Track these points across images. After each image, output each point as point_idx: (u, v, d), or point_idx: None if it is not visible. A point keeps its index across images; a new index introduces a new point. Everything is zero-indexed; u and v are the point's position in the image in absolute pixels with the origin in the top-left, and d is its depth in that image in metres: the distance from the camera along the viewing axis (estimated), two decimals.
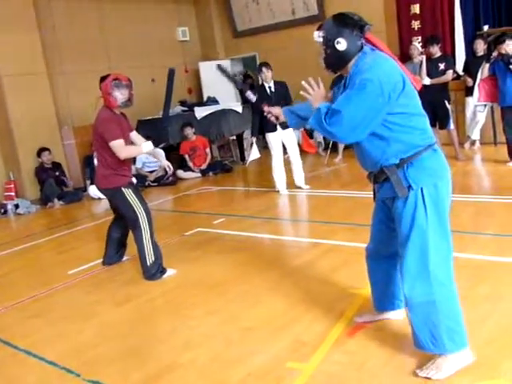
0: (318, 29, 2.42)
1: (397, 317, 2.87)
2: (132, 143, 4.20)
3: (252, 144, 6.79)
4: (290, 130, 6.57)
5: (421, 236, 2.30)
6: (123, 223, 4.36)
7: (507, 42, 6.19)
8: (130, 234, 4.26)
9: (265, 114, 2.99)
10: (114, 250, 4.50)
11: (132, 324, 3.36)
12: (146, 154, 4.21)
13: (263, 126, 6.60)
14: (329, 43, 2.35)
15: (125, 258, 4.60)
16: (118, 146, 3.91)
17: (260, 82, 6.89)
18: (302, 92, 2.51)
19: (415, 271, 2.33)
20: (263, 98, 6.56)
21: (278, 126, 6.51)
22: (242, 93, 3.18)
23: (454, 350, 2.33)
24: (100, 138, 3.98)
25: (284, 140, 6.63)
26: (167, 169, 4.38)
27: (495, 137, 7.94)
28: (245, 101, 11.21)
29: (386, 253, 2.67)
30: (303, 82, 2.51)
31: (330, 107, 2.26)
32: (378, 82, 2.18)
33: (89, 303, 3.79)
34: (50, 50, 8.98)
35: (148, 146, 4.00)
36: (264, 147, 8.10)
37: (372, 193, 2.63)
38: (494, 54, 6.42)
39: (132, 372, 2.74)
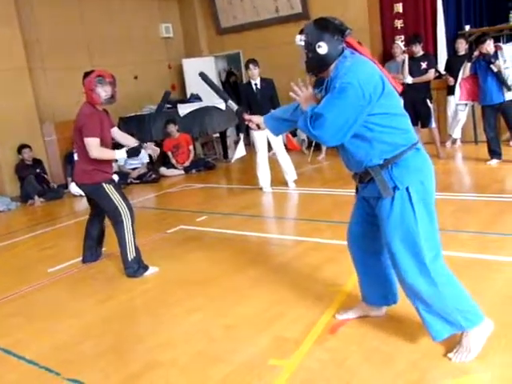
0: (300, 33, 2.45)
1: (378, 314, 2.88)
2: (113, 140, 4.17)
3: (239, 141, 6.78)
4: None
5: (412, 234, 2.34)
6: (100, 219, 4.33)
7: (488, 41, 6.26)
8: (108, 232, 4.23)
9: (246, 122, 2.98)
10: (93, 248, 4.46)
11: (113, 322, 3.33)
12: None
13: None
14: (310, 47, 2.39)
15: (102, 252, 4.58)
16: (92, 143, 3.88)
17: (247, 79, 6.88)
18: (291, 93, 2.52)
19: (414, 269, 2.37)
20: (249, 96, 6.56)
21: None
22: (225, 101, 3.16)
23: (476, 324, 2.40)
24: (80, 133, 3.94)
25: (269, 137, 6.63)
26: (153, 153, 4.33)
27: (476, 135, 8.04)
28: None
29: (372, 248, 2.70)
30: (292, 84, 2.52)
31: (313, 110, 2.30)
32: (358, 85, 2.21)
33: (69, 301, 3.75)
34: (31, 45, 8.86)
35: (121, 153, 4.00)
36: (247, 144, 8.08)
37: (355, 190, 2.66)
38: (476, 53, 6.48)
39: (113, 371, 2.72)
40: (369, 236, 2.67)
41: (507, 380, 2.26)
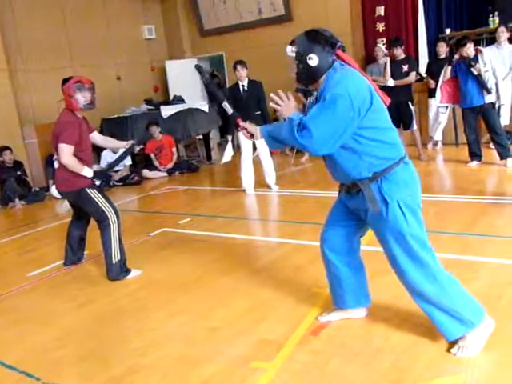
0: (291, 43, 2.47)
1: (359, 315, 2.90)
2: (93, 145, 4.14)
3: (227, 143, 6.77)
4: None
5: (411, 243, 2.39)
6: (83, 223, 4.29)
7: (468, 45, 6.33)
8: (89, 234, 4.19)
9: (239, 129, 2.97)
10: (75, 251, 4.42)
11: (94, 326, 3.30)
12: (110, 150, 4.11)
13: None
14: (301, 58, 2.42)
15: (84, 255, 4.54)
16: (65, 150, 3.85)
17: (230, 81, 6.86)
18: (271, 104, 2.54)
19: (422, 277, 2.42)
20: (235, 97, 6.55)
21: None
22: (214, 98, 3.12)
23: (480, 320, 2.45)
24: (58, 140, 3.90)
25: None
26: (136, 147, 4.30)
27: (457, 138, 8.13)
28: (212, 99, 11.19)
29: (345, 249, 2.73)
30: (272, 95, 2.54)
31: (302, 119, 2.29)
32: (347, 97, 2.23)
33: (49, 305, 3.71)
34: (11, 46, 8.75)
35: (89, 172, 3.96)
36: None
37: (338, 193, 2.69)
38: (456, 56, 6.55)
39: (94, 375, 2.69)
40: (344, 238, 2.70)
41: (484, 381, 2.29)
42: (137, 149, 4.30)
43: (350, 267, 2.76)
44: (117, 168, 8.52)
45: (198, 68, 3.14)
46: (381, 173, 2.38)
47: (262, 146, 6.68)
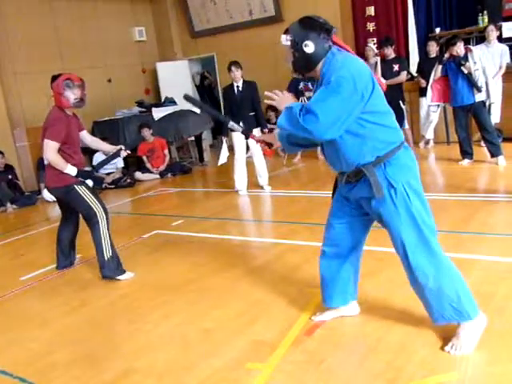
0: (285, 32, 2.44)
1: (352, 313, 2.91)
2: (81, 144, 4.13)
3: (222, 145, 6.77)
4: (255, 130, 6.57)
5: (418, 229, 2.39)
6: (73, 224, 4.28)
7: (458, 44, 6.36)
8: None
9: (256, 143, 2.97)
10: (66, 255, 4.40)
11: (88, 329, 3.28)
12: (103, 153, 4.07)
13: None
14: (297, 46, 2.39)
15: (76, 258, 4.53)
16: (50, 146, 3.84)
17: (221, 82, 6.85)
18: (266, 101, 2.53)
19: (427, 261, 2.42)
20: (230, 98, 6.54)
21: (241, 125, 6.48)
22: (217, 120, 3.09)
23: (476, 313, 2.46)
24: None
25: (248, 140, 6.62)
26: (122, 153, 4.28)
27: (448, 136, 8.16)
28: (204, 101, 11.17)
29: (344, 250, 2.71)
30: (266, 92, 2.52)
31: (305, 105, 2.27)
32: (351, 80, 2.22)
33: (42, 309, 3.69)
34: (1, 49, 8.71)
35: (72, 170, 3.93)
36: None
37: (332, 191, 2.67)
38: (446, 55, 6.58)
39: (88, 378, 2.68)
40: (347, 237, 2.68)
41: (477, 378, 2.30)
42: (123, 154, 4.27)
43: (345, 266, 2.75)
44: (109, 170, 8.53)
45: (187, 98, 3.11)
46: (384, 157, 2.36)
47: (255, 147, 6.68)
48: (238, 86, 6.54)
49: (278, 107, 2.48)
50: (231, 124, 3.04)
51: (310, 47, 2.35)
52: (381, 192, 2.36)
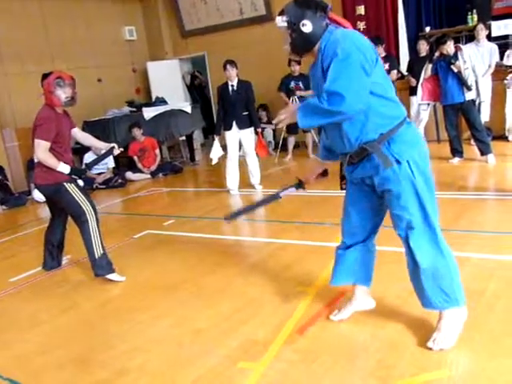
0: (280, 14, 2.38)
1: (369, 306, 2.88)
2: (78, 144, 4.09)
3: (214, 141, 6.77)
4: (248, 130, 6.57)
5: (422, 206, 2.38)
6: (61, 224, 4.26)
7: (448, 42, 6.39)
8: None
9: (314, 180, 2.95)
10: (54, 256, 4.38)
11: (79, 331, 3.27)
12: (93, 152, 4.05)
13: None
14: (294, 27, 2.33)
15: (64, 260, 4.50)
16: (41, 145, 3.82)
17: (212, 82, 6.84)
18: (275, 121, 2.47)
19: (426, 239, 2.41)
20: (224, 96, 6.54)
21: (234, 125, 6.50)
22: (278, 197, 2.99)
23: (463, 301, 2.48)
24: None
25: (241, 139, 6.63)
26: (115, 151, 4.26)
27: (438, 134, 8.20)
28: (194, 101, 11.16)
29: (362, 236, 2.69)
30: (274, 121, 2.48)
31: (322, 91, 2.21)
32: (358, 50, 2.20)
33: (33, 311, 3.66)
34: None
35: (65, 168, 3.92)
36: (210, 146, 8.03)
37: (340, 180, 2.65)
38: (436, 54, 6.61)
39: (80, 380, 2.67)
40: (365, 222, 2.66)
41: (467, 374, 2.31)
42: (116, 152, 4.26)
43: (357, 248, 2.72)
44: (100, 170, 8.49)
45: (234, 216, 3.10)
46: (387, 133, 2.32)
47: (248, 147, 6.68)
48: (232, 85, 6.53)
49: (292, 121, 2.41)
50: (284, 193, 2.97)
51: (307, 26, 2.30)
52: (388, 162, 2.31)
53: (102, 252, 3.96)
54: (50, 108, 3.90)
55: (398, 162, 2.33)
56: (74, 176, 3.99)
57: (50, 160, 3.88)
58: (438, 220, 2.47)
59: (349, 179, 2.63)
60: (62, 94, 3.84)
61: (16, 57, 9.01)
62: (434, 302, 2.48)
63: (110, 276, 3.98)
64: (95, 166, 8.34)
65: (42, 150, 3.83)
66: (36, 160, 4.01)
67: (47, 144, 3.83)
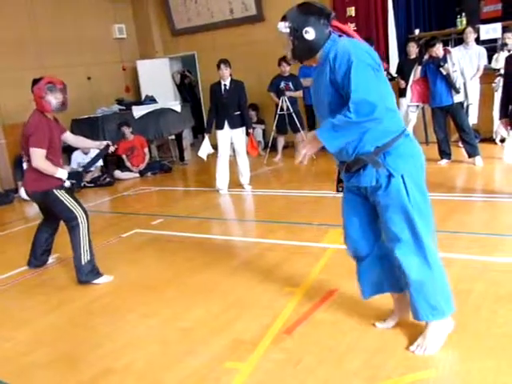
0: (283, 19, 2.35)
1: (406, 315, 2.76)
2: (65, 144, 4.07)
3: (204, 138, 6.77)
4: (240, 129, 6.57)
5: (409, 219, 2.36)
6: (52, 227, 4.23)
7: (437, 45, 6.44)
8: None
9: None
10: (38, 256, 4.34)
11: (65, 330, 3.24)
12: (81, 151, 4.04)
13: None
14: (296, 33, 2.30)
15: (50, 260, 4.46)
16: (37, 154, 3.78)
17: (202, 81, 6.83)
18: (298, 162, 2.40)
19: (413, 251, 2.40)
20: (216, 96, 6.53)
21: (226, 124, 6.49)
22: None
23: (450, 311, 2.49)
24: (28, 142, 3.82)
25: (233, 139, 6.62)
26: (111, 148, 4.23)
27: (427, 136, 8.24)
28: (184, 100, 11.13)
29: (366, 248, 2.61)
30: (297, 162, 2.40)
31: (344, 108, 2.17)
32: (369, 56, 2.21)
33: (19, 310, 3.63)
34: None
35: (63, 174, 3.91)
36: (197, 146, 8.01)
37: (336, 184, 2.62)
38: (426, 56, 6.66)
39: (65, 379, 2.65)
40: (359, 228, 2.60)
41: (454, 375, 2.33)
42: (112, 149, 4.24)
43: (372, 264, 2.65)
44: (73, 182, 8.39)
45: None
46: (383, 147, 2.30)
47: (240, 146, 6.67)
48: (225, 85, 6.52)
49: (315, 149, 2.35)
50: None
51: (310, 34, 2.28)
52: (379, 164, 2.29)
53: (89, 258, 3.92)
54: (41, 114, 3.86)
55: (392, 175, 2.32)
56: (72, 180, 3.97)
57: (49, 168, 3.85)
58: (432, 229, 2.45)
59: (346, 186, 2.60)
60: (53, 99, 3.80)
61: (3, 54, 8.90)
62: (421, 314, 2.49)
63: (97, 281, 3.93)
64: (83, 165, 8.36)
65: (39, 159, 3.80)
66: (25, 166, 3.97)
67: (43, 152, 3.80)
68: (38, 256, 4.35)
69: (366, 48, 2.26)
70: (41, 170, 3.84)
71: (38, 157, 3.80)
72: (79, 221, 3.90)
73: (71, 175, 4.00)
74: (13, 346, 3.08)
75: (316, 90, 2.48)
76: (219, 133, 6.59)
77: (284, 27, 2.34)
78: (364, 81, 2.16)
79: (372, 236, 2.61)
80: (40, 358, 2.89)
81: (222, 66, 6.44)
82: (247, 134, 6.80)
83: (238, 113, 6.54)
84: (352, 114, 2.15)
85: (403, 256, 2.42)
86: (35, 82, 3.85)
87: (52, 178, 3.91)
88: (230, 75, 6.53)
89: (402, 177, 2.33)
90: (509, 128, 5.02)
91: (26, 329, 3.30)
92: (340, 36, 2.35)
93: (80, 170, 4.11)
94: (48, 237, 4.31)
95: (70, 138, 4.23)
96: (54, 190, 3.90)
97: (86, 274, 3.91)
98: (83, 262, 3.90)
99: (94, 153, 4.38)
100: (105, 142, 4.25)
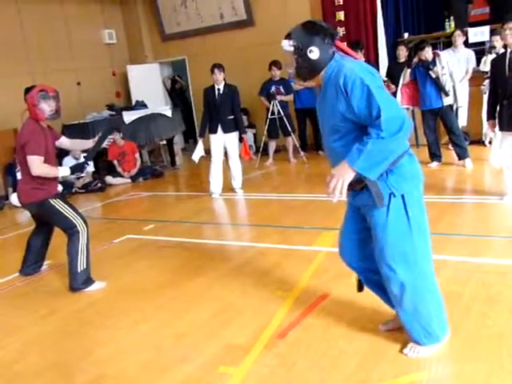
0: (287, 37, 2.34)
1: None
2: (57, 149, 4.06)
3: (198, 142, 6.78)
4: (233, 133, 6.58)
5: (407, 240, 2.34)
6: (45, 233, 4.21)
7: (427, 48, 6.49)
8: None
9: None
10: (33, 260, 4.31)
11: (57, 337, 3.23)
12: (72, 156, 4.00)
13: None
14: (301, 52, 2.28)
15: (44, 265, 4.43)
16: (35, 161, 3.76)
17: (193, 86, 6.83)
18: (328, 195, 2.29)
19: (405, 271, 2.36)
20: (210, 100, 6.54)
21: (220, 129, 6.50)
22: None
23: (445, 334, 2.49)
24: (23, 151, 3.80)
25: (227, 143, 6.63)
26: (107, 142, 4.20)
27: (417, 139, 8.28)
28: (175, 105, 11.12)
29: (359, 262, 2.62)
30: (333, 199, 2.29)
31: (374, 127, 2.12)
32: (374, 76, 2.21)
33: (10, 317, 3.61)
34: None
35: (65, 171, 3.92)
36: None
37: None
38: (415, 60, 6.70)
39: None
40: (356, 244, 2.60)
41: (446, 377, 2.35)
42: (113, 134, 4.21)
43: (369, 274, 2.64)
44: (79, 175, 8.38)
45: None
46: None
47: (232, 150, 6.68)
48: (218, 89, 6.53)
49: (349, 180, 2.23)
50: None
51: (314, 53, 2.26)
52: (382, 202, 2.28)
53: (85, 266, 3.90)
54: (35, 122, 3.85)
55: (393, 194, 2.30)
56: (76, 173, 3.96)
57: (50, 171, 3.85)
58: (430, 245, 2.45)
59: (349, 202, 2.59)
60: (47, 107, 3.78)
61: None
62: (414, 336, 2.48)
63: (90, 288, 3.91)
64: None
65: (37, 166, 3.78)
66: (19, 177, 3.94)
67: (41, 158, 3.78)
68: (32, 263, 4.32)
69: (370, 69, 2.26)
70: (42, 176, 3.82)
71: (37, 164, 3.77)
72: (79, 228, 3.87)
73: (73, 169, 4.00)
74: (3, 355, 3.05)
75: (320, 115, 2.47)
76: (212, 137, 6.59)
77: (288, 45, 2.32)
78: (386, 99, 2.15)
79: (362, 255, 2.60)
80: (31, 366, 2.87)
81: (216, 70, 6.45)
82: (240, 138, 6.81)
83: (232, 117, 6.55)
84: (384, 132, 2.10)
85: (400, 282, 2.38)
86: (28, 90, 3.83)
87: (48, 187, 3.88)
88: (224, 79, 6.55)
89: (403, 196, 2.32)
90: (495, 130, 5.06)
91: (18, 336, 3.28)
92: (342, 57, 2.33)
93: (82, 161, 4.06)
94: (41, 245, 4.28)
95: (65, 142, 4.21)
96: (50, 200, 3.87)
97: (81, 282, 3.89)
98: (79, 270, 3.88)
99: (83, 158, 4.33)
100: (100, 134, 4.17)
